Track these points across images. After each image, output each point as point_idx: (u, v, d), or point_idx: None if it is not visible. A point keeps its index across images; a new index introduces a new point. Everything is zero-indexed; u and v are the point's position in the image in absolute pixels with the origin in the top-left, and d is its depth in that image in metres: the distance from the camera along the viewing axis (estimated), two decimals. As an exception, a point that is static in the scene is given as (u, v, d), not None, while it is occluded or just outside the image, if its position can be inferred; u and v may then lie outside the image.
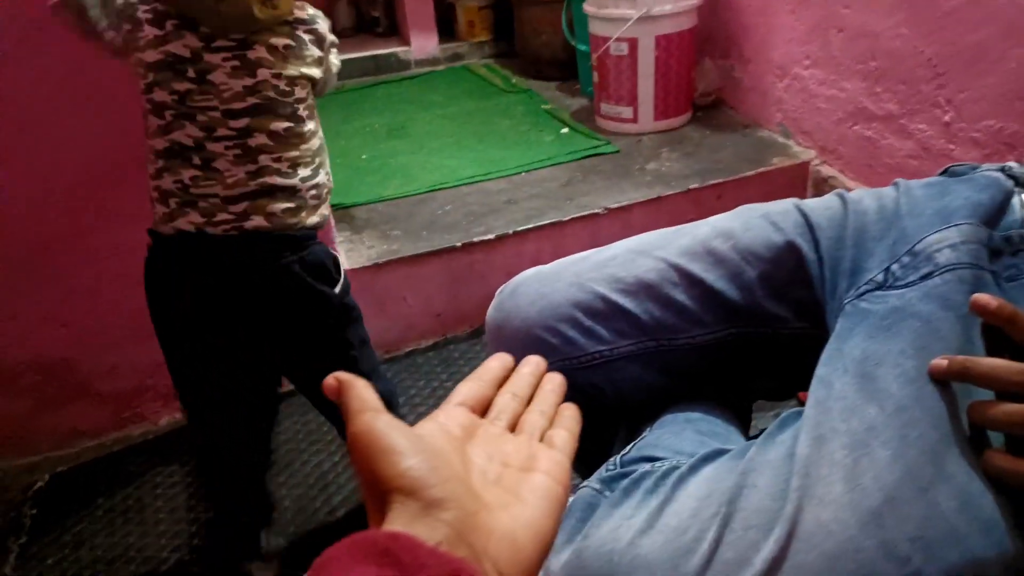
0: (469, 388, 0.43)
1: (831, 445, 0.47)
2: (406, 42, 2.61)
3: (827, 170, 1.70)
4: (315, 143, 0.97)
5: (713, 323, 0.70)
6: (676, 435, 0.65)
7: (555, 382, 0.47)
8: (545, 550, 0.35)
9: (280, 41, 0.88)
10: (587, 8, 1.89)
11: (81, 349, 1.30)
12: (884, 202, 0.68)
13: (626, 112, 1.92)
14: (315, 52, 0.93)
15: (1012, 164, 0.68)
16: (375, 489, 0.33)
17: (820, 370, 0.56)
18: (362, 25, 2.71)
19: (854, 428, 0.48)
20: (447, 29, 2.66)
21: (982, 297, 0.47)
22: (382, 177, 1.83)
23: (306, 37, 0.92)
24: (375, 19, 2.67)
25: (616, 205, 1.60)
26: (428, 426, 0.38)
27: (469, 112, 2.22)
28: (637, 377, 0.72)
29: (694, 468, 0.54)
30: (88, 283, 1.26)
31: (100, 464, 1.36)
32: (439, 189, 1.74)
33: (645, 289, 0.71)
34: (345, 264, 1.43)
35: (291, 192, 0.91)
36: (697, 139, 1.89)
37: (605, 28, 1.85)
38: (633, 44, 1.82)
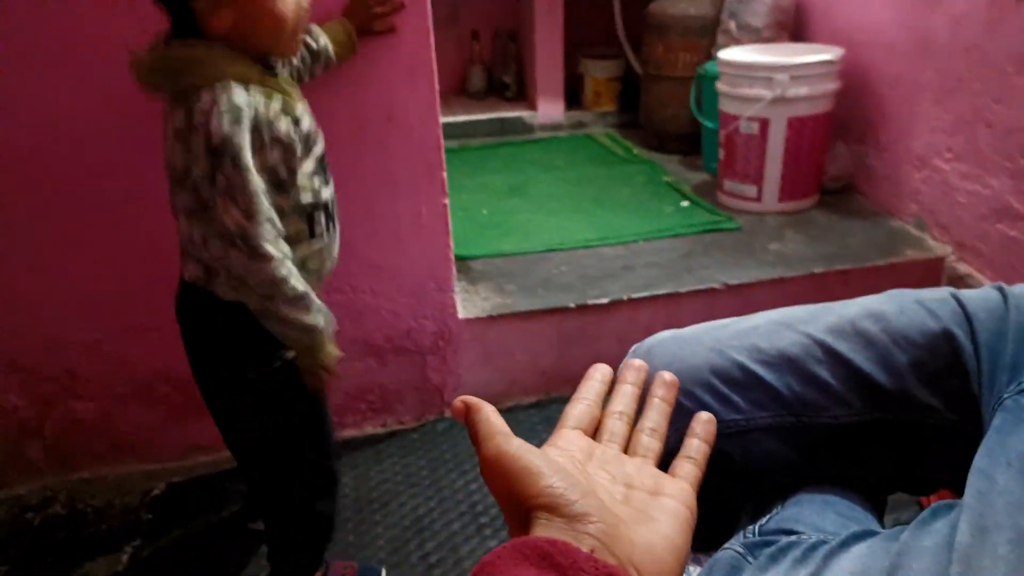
0: (578, 410, 0.44)
1: (994, 538, 0.45)
2: (533, 107, 2.70)
3: (964, 268, 1.62)
4: None
5: (858, 405, 0.68)
6: (817, 513, 0.63)
7: (664, 388, 0.48)
8: (682, 566, 0.36)
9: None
10: (720, 86, 1.90)
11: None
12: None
13: (750, 190, 1.90)
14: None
15: None
16: (516, 510, 0.35)
17: (980, 462, 0.53)
18: (492, 88, 2.83)
19: (1020, 524, 0.45)
20: (573, 97, 2.74)
21: None
22: (501, 233, 1.87)
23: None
24: (505, 84, 2.79)
25: (736, 282, 1.57)
26: (551, 451, 0.40)
27: (589, 178, 2.26)
28: (771, 450, 0.71)
29: (845, 544, 0.53)
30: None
31: (212, 480, 1.42)
32: (556, 250, 1.76)
33: (787, 362, 0.70)
34: (461, 313, 1.47)
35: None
36: (824, 223, 1.85)
37: (737, 107, 1.85)
38: (764, 124, 1.81)
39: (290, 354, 0.97)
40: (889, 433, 0.68)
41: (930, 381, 0.67)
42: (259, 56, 0.88)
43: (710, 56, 2.15)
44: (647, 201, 2.04)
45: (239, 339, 0.95)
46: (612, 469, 0.40)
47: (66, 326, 1.31)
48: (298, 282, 0.90)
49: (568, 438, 0.42)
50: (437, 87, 1.26)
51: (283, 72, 0.95)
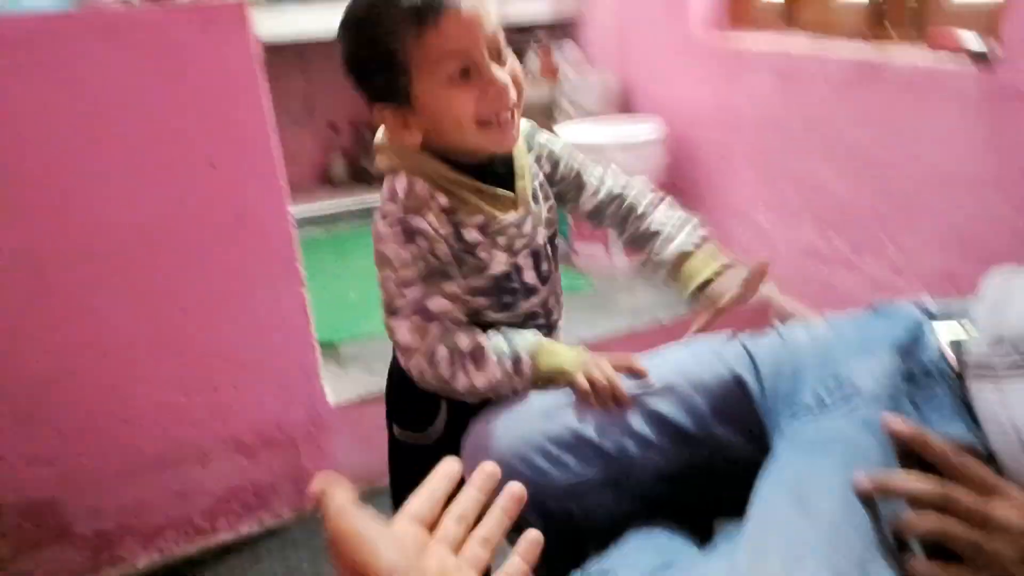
0: (419, 504, 0.46)
1: (769, 557, 0.52)
2: (396, 190, 2.78)
3: (789, 303, 1.80)
4: None
5: (672, 450, 0.77)
6: (636, 550, 0.69)
7: (509, 501, 0.48)
8: None
9: None
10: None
11: (66, 489, 1.32)
12: (815, 336, 0.77)
13: (599, 250, 2.04)
14: None
15: (925, 299, 0.78)
16: None
17: (759, 486, 0.61)
18: (355, 175, 2.90)
19: (789, 541, 0.53)
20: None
21: (896, 423, 0.53)
22: (370, 314, 1.88)
23: None
24: (367, 171, 2.86)
25: (592, 339, 1.68)
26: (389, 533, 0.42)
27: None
28: (607, 503, 0.78)
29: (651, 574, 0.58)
30: (79, 421, 1.29)
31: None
32: (424, 326, 1.81)
33: (608, 420, 0.78)
34: (331, 398, 1.48)
35: None
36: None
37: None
38: (605, 192, 1.97)
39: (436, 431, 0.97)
40: (704, 470, 0.78)
41: (728, 421, 0.77)
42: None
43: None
44: (510, 271, 2.14)
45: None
46: (440, 569, 0.42)
47: None
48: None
49: (406, 529, 0.43)
50: (285, 185, 1.30)
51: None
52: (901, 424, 0.54)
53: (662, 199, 1.01)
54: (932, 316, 0.75)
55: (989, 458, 0.65)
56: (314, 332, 1.43)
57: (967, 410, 0.68)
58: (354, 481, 1.49)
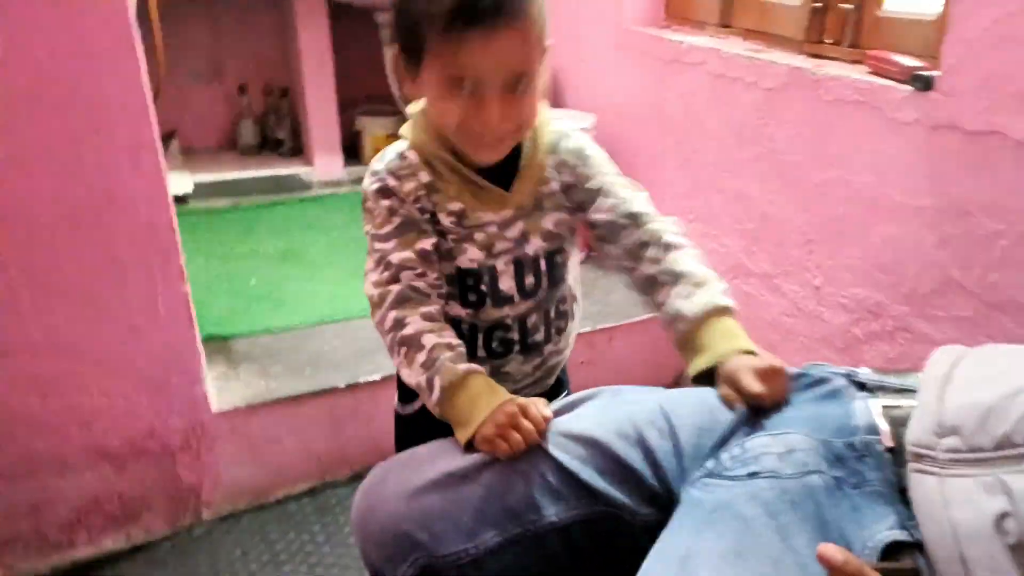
0: None
1: None
2: (310, 163, 2.60)
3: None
4: None
5: (573, 502, 0.72)
6: None
7: None
8: None
9: None
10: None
11: None
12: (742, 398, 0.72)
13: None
14: None
15: (860, 370, 0.72)
16: None
17: (647, 563, 0.59)
18: (266, 145, 2.70)
19: None
20: (352, 154, 2.68)
21: (828, 549, 0.48)
22: (269, 305, 1.75)
23: None
24: (279, 140, 2.66)
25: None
26: None
27: (368, 239, 2.20)
28: (510, 566, 0.71)
29: None
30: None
31: None
32: (329, 322, 1.68)
33: (512, 472, 0.72)
34: (214, 406, 1.34)
35: None
36: (591, 280, 1.93)
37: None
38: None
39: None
40: (604, 531, 0.72)
41: (628, 480, 0.72)
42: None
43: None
44: (425, 263, 2.02)
45: None
46: None
47: None
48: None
49: None
50: (164, 164, 1.15)
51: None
52: (836, 553, 0.48)
53: (691, 245, 0.88)
54: (864, 387, 0.70)
55: (920, 549, 0.60)
56: (197, 332, 1.28)
57: (899, 495, 0.62)
58: (239, 496, 1.37)
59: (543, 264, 0.88)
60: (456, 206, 0.84)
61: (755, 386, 0.71)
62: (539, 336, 0.90)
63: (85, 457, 1.26)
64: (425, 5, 0.73)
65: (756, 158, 1.54)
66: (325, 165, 2.58)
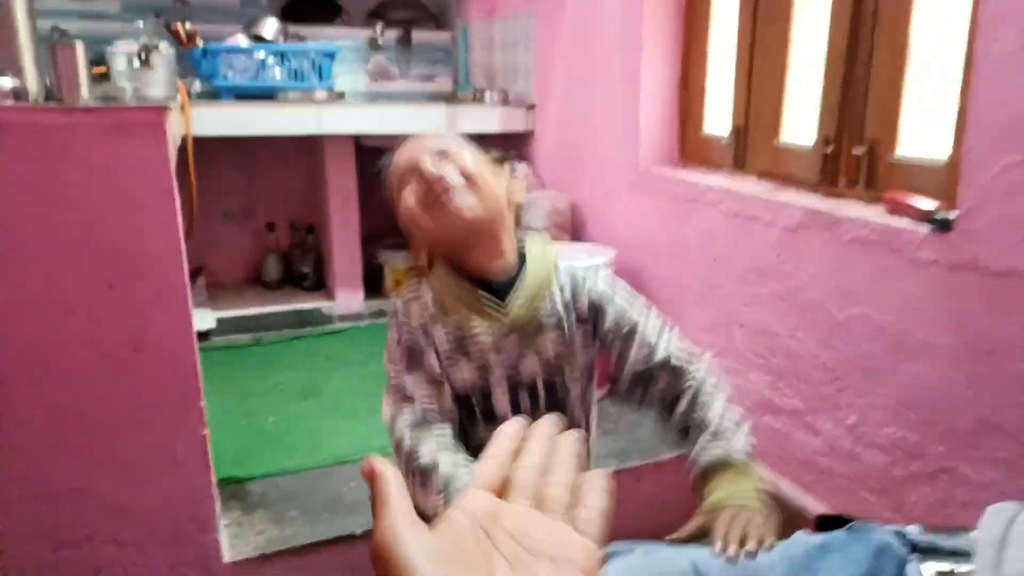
0: (486, 468, 0.42)
1: None
2: (331, 296, 2.65)
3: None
4: None
5: None
6: None
7: (568, 445, 0.45)
8: None
9: None
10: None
11: None
12: (782, 556, 0.70)
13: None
14: None
15: (910, 528, 0.69)
16: None
17: None
18: (290, 279, 2.76)
19: None
20: (373, 287, 2.73)
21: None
22: (287, 444, 1.73)
23: None
24: (303, 274, 2.73)
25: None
26: (454, 515, 0.38)
27: (388, 373, 2.20)
28: None
29: None
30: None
31: None
32: (347, 462, 1.64)
33: None
34: (227, 556, 1.29)
35: None
36: (615, 415, 1.89)
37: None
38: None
39: None
40: None
41: None
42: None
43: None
44: (445, 398, 2.00)
45: None
46: (518, 529, 0.39)
47: None
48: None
49: (475, 499, 0.40)
50: (192, 311, 1.16)
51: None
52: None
53: (723, 387, 0.93)
54: (915, 547, 0.67)
55: None
56: (214, 479, 1.25)
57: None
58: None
59: (540, 390, 0.91)
60: (455, 325, 0.89)
61: (718, 546, 0.76)
62: None
63: (91, 613, 1.20)
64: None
65: (777, 295, 1.54)
66: (346, 298, 2.63)
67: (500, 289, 0.90)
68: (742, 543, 0.74)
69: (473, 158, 0.89)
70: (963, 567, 0.62)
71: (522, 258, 0.93)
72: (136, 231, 1.10)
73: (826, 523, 0.77)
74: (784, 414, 1.57)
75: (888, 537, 0.68)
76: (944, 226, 1.16)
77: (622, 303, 0.93)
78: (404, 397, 0.88)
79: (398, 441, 0.87)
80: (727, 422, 0.88)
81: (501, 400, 0.90)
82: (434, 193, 0.86)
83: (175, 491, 1.22)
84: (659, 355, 0.90)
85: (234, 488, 1.52)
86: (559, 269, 0.94)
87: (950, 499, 1.21)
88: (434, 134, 0.93)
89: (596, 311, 0.92)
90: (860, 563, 0.66)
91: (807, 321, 1.47)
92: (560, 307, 0.91)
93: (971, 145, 1.13)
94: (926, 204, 1.23)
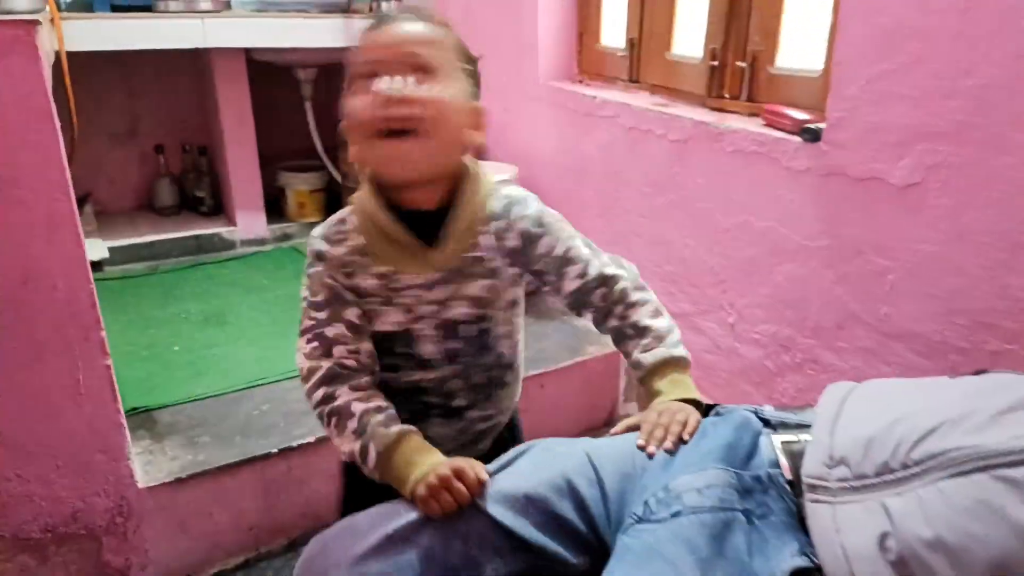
0: None
1: None
2: (232, 222, 2.57)
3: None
4: None
5: (510, 557, 0.75)
6: None
7: None
8: None
9: None
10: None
11: None
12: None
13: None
14: None
15: (765, 407, 0.79)
16: None
17: None
18: (185, 204, 2.65)
19: None
20: (276, 210, 2.66)
21: None
22: (194, 372, 1.71)
23: None
24: (199, 199, 2.63)
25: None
26: None
27: (296, 296, 2.18)
28: None
29: None
30: None
31: None
32: (257, 385, 1.65)
33: (451, 531, 0.75)
34: (140, 482, 1.30)
35: None
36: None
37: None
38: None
39: None
40: None
41: (558, 533, 0.75)
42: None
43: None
44: (355, 318, 2.02)
45: None
46: None
47: None
48: None
49: None
50: (83, 240, 1.12)
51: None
52: None
53: (651, 295, 0.97)
54: (769, 424, 0.76)
55: (821, 573, 0.65)
56: (120, 407, 1.25)
57: (800, 524, 0.68)
58: (171, 575, 1.32)
59: (469, 330, 0.89)
60: (383, 268, 0.86)
61: (642, 438, 0.80)
62: (461, 401, 0.93)
63: (1, 549, 1.20)
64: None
65: (671, 205, 1.63)
66: (248, 223, 2.56)
67: (431, 222, 0.86)
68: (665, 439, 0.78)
69: (443, 87, 0.81)
70: (805, 436, 0.71)
71: (455, 185, 0.88)
72: (13, 157, 1.04)
73: (705, 414, 0.85)
74: (677, 318, 1.67)
75: (746, 414, 0.77)
76: (814, 136, 1.25)
77: (554, 229, 0.91)
78: (323, 347, 0.86)
79: (311, 390, 0.86)
80: (662, 323, 0.92)
81: (428, 345, 0.88)
82: (380, 128, 0.78)
83: (81, 424, 1.21)
84: (592, 272, 0.91)
85: (142, 418, 1.51)
86: (494, 196, 0.90)
87: (817, 384, 1.35)
88: (413, 20, 0.83)
89: (528, 240, 0.89)
90: (724, 436, 0.74)
91: (697, 229, 1.57)
92: (493, 243, 0.88)
93: (840, 58, 1.20)
94: (799, 116, 1.31)
